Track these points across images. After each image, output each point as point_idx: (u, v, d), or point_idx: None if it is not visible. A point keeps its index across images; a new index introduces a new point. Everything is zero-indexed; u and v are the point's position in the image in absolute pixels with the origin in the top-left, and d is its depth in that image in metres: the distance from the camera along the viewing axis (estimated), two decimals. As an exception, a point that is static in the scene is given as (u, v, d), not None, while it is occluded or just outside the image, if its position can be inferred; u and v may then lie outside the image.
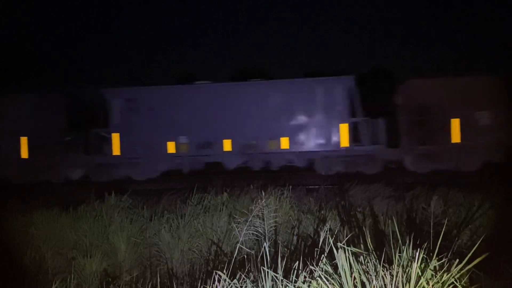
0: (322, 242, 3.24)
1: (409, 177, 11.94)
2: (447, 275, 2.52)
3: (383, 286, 2.50)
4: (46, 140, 14.43)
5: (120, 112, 14.10)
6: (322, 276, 2.60)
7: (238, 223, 4.96)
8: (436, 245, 2.76)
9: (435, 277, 2.53)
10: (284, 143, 13.57)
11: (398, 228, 3.52)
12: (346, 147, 13.32)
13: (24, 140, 14.27)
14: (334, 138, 13.40)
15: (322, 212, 6.22)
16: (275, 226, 5.05)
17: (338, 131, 13.39)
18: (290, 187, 7.48)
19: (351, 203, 7.04)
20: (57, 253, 5.24)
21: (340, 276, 2.60)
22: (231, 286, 2.88)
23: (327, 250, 2.99)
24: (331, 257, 2.83)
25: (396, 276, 2.51)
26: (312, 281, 2.69)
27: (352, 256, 2.64)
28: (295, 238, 5.00)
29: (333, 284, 2.59)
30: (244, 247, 4.39)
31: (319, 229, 4.97)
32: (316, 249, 3.23)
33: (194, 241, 5.22)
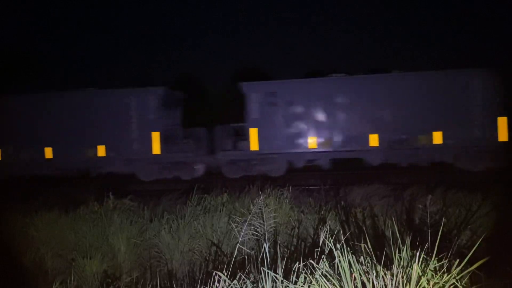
0: (322, 242, 3.23)
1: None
2: (447, 275, 2.52)
3: (384, 286, 2.50)
4: (179, 135, 14.08)
5: (258, 106, 13.57)
6: (323, 277, 2.59)
7: (238, 224, 4.95)
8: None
9: (435, 277, 2.52)
10: (437, 137, 12.69)
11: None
12: (503, 142, 12.21)
13: (156, 136, 13.93)
14: (490, 132, 12.38)
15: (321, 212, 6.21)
16: (275, 226, 5.04)
17: (495, 125, 12.35)
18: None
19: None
20: (57, 255, 5.24)
21: (340, 277, 2.59)
22: (231, 286, 2.88)
23: (327, 251, 2.98)
24: (331, 257, 2.82)
25: (396, 276, 2.50)
26: (312, 281, 2.69)
27: (352, 256, 2.64)
28: (294, 238, 4.99)
29: (333, 284, 2.58)
30: (244, 248, 4.39)
31: (319, 229, 4.96)
32: (316, 249, 3.22)
33: (194, 242, 5.22)
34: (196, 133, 14.18)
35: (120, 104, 14.06)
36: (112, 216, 6.11)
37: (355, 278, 2.55)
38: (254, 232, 4.67)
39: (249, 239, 4.81)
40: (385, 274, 2.53)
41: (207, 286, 2.99)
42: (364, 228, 4.84)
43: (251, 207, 4.72)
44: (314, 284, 2.66)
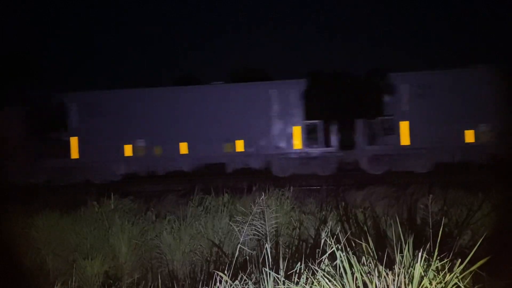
0: (324, 242, 3.22)
1: None
2: (450, 275, 2.51)
3: (386, 286, 2.49)
4: (318, 130, 13.56)
5: (410, 98, 12.77)
6: (324, 277, 2.58)
7: (239, 224, 4.95)
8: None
9: (438, 277, 2.52)
10: None
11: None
12: None
13: (297, 130, 13.44)
14: None
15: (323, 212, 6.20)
16: (276, 226, 5.03)
17: None
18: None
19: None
20: (58, 256, 5.23)
21: (342, 277, 2.59)
22: (233, 287, 2.87)
23: (329, 251, 2.97)
24: (333, 257, 2.82)
25: (398, 277, 2.49)
26: (314, 282, 2.68)
27: (354, 256, 2.63)
28: (296, 238, 4.98)
29: (335, 285, 2.57)
30: (245, 248, 4.38)
31: (320, 229, 4.95)
32: (317, 249, 3.21)
33: (195, 242, 5.21)
34: (336, 127, 13.66)
35: (259, 97, 13.64)
36: (113, 217, 6.10)
37: (357, 278, 2.54)
38: (255, 233, 4.66)
39: (250, 239, 4.80)
40: (387, 274, 2.52)
41: (208, 287, 2.99)
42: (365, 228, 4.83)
43: (253, 207, 4.71)
44: (316, 285, 2.65)
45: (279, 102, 13.56)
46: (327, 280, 2.58)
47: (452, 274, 2.51)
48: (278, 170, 13.55)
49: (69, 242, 5.57)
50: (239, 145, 13.66)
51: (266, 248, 3.20)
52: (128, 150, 14.06)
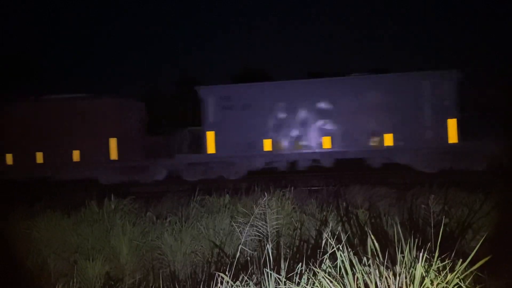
0: (325, 243, 3.22)
1: None
2: (451, 275, 2.51)
3: (387, 287, 2.49)
4: (476, 122, 12.92)
5: None
6: (325, 278, 2.58)
7: (240, 225, 4.94)
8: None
9: (439, 277, 2.51)
10: None
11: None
12: None
13: (452, 123, 12.67)
14: None
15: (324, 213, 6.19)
16: (277, 227, 5.03)
17: None
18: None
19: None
20: (59, 257, 5.24)
21: (343, 278, 2.58)
22: (234, 288, 2.87)
23: (330, 251, 2.97)
24: (334, 258, 2.81)
25: (400, 277, 2.49)
26: (315, 282, 2.68)
27: (355, 256, 2.63)
28: (297, 239, 4.98)
29: (336, 285, 2.57)
30: (246, 249, 4.38)
31: (321, 229, 4.95)
32: (318, 250, 3.21)
33: (196, 243, 5.21)
34: (492, 120, 12.94)
35: (410, 88, 13.09)
36: (114, 218, 6.10)
37: (357, 279, 2.54)
38: (256, 233, 4.66)
39: (251, 240, 4.80)
40: (388, 274, 2.52)
41: (209, 288, 2.99)
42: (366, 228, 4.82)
43: (254, 208, 4.70)
44: (317, 286, 2.65)
45: (432, 93, 13.01)
46: (328, 281, 2.58)
47: (453, 274, 2.51)
48: (424, 165, 12.97)
49: (70, 243, 5.57)
50: (388, 139, 13.17)
51: (267, 249, 3.21)
52: (267, 145, 13.84)
